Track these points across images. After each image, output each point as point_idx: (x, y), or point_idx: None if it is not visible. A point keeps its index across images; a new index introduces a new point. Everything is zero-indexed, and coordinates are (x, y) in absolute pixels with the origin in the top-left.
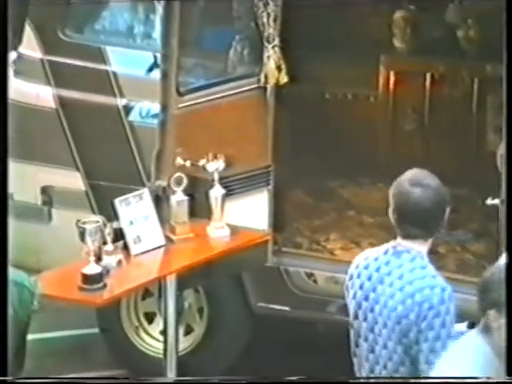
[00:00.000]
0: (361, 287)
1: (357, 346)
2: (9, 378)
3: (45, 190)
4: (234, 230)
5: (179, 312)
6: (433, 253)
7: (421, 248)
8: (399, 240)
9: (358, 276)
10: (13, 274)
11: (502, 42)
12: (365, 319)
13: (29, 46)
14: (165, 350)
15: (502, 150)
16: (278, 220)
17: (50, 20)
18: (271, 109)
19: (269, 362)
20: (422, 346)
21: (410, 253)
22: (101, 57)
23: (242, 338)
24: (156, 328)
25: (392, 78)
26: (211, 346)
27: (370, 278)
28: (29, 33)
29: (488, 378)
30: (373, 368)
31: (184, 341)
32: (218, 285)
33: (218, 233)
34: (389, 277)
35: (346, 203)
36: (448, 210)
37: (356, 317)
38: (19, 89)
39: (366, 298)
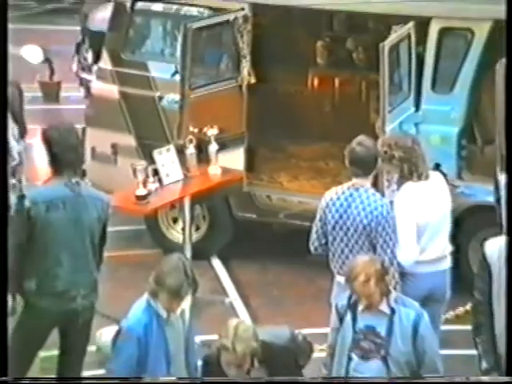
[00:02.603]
0: (337, 211)
1: (332, 244)
2: (9, 378)
3: (113, 145)
4: (224, 170)
5: (192, 217)
6: None
7: (366, 182)
8: (353, 180)
9: (333, 204)
10: (98, 193)
11: (379, 60)
12: (341, 228)
13: (104, 62)
14: (183, 239)
15: (378, 123)
16: (249, 165)
17: (116, 47)
18: (245, 99)
19: (245, 239)
20: (379, 240)
21: (363, 187)
22: (145, 68)
23: (228, 233)
24: (178, 226)
25: (316, 81)
26: (210, 238)
27: (341, 205)
28: (104, 54)
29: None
30: (348, 255)
31: (194, 234)
32: (214, 202)
33: (214, 172)
34: (354, 203)
35: (291, 154)
36: (379, 160)
37: (334, 228)
38: (99, 87)
39: (341, 217)
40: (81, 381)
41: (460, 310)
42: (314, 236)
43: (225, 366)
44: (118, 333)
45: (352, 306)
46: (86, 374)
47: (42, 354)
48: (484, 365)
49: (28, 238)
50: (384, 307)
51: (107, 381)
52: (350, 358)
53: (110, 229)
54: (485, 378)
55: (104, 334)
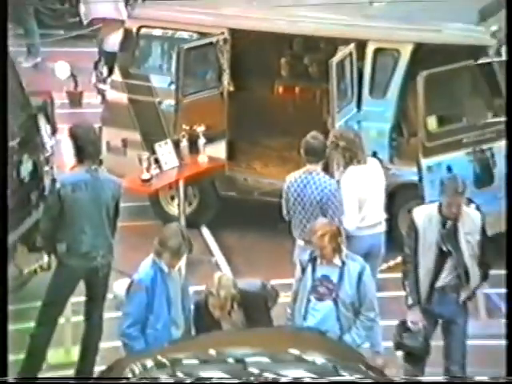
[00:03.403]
0: (295, 191)
1: (293, 216)
2: (9, 378)
3: (123, 140)
4: (210, 158)
5: (185, 195)
6: None
7: (317, 167)
8: (308, 166)
9: (292, 186)
10: (112, 177)
11: (329, 73)
12: (299, 204)
13: (116, 76)
14: (179, 212)
15: (329, 121)
16: (230, 155)
17: (125, 64)
18: (226, 103)
19: (227, 212)
20: (328, 211)
21: (316, 171)
22: (147, 79)
23: (214, 208)
24: (175, 202)
25: (280, 89)
26: (200, 211)
27: (299, 186)
28: (116, 70)
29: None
30: (305, 224)
31: (188, 208)
32: (202, 183)
33: (202, 160)
34: (309, 184)
35: (264, 146)
36: (328, 149)
37: (294, 204)
38: (112, 95)
39: (299, 195)
40: (81, 381)
41: (391, 262)
42: (284, 211)
43: (211, 308)
44: (131, 284)
45: (312, 260)
46: (106, 315)
47: (72, 300)
48: (409, 301)
49: (59, 212)
50: (337, 261)
51: (108, 381)
52: (308, 300)
53: (121, 205)
54: (485, 378)
55: (119, 285)
